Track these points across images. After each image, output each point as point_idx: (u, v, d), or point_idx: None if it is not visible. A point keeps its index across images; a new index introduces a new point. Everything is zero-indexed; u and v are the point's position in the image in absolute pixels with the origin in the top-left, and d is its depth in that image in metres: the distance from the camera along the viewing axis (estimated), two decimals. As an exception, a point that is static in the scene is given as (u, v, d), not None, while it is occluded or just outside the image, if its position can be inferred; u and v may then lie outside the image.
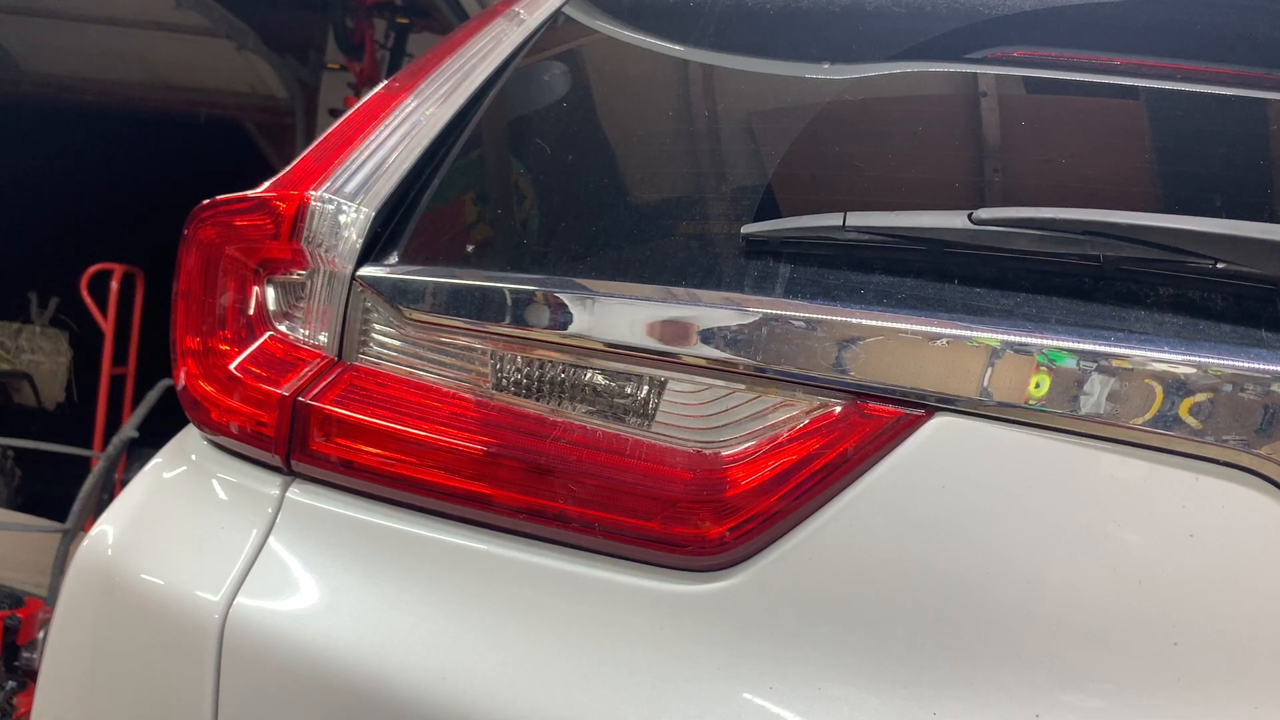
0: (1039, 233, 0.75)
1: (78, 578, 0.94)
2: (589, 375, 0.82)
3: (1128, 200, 0.87)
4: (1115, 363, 0.69)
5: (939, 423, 0.73)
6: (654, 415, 0.80)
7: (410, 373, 0.88)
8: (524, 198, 1.00)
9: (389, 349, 0.89)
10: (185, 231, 0.97)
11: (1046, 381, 0.70)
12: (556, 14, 1.12)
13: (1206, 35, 0.96)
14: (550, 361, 0.83)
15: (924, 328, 0.72)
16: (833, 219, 0.80)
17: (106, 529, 0.94)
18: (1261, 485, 0.67)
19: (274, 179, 0.97)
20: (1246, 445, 0.67)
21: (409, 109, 1.00)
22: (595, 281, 0.84)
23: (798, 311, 0.76)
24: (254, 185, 0.97)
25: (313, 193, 0.92)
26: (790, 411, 0.77)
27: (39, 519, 3.32)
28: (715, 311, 0.77)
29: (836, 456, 0.74)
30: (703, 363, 0.77)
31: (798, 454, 0.75)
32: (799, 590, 0.75)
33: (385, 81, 1.08)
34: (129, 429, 2.96)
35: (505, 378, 0.84)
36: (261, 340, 0.93)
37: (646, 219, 0.93)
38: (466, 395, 0.85)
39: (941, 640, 0.72)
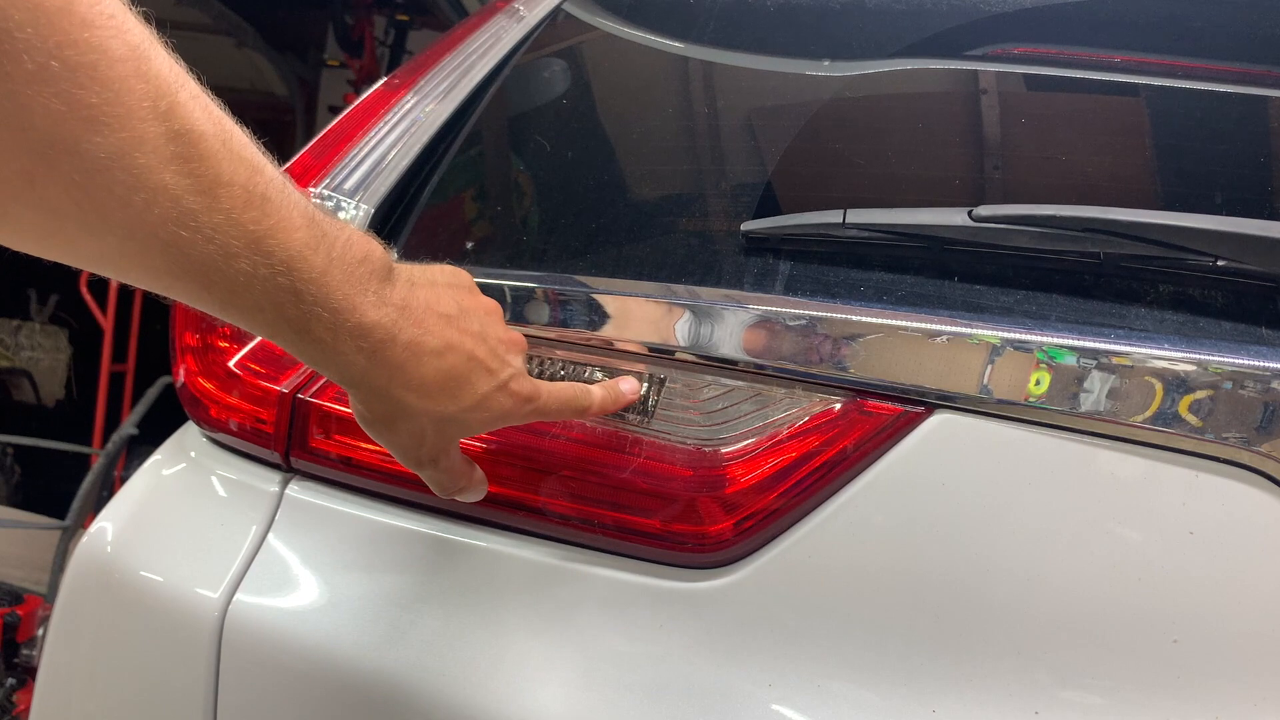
0: (1039, 230, 0.75)
1: (77, 574, 0.94)
2: (588, 372, 0.82)
3: (1128, 197, 0.87)
4: (1115, 360, 0.69)
5: (939, 420, 0.72)
6: (653, 412, 0.80)
7: (410, 370, 0.87)
8: (523, 195, 1.00)
9: (388, 346, 0.88)
10: (184, 228, 0.96)
11: (1046, 379, 0.70)
12: (556, 10, 1.12)
13: (1207, 32, 0.96)
14: (549, 359, 0.83)
15: (924, 325, 0.72)
16: (832, 216, 0.80)
17: (106, 526, 0.94)
18: (1262, 483, 0.67)
19: (273, 176, 0.97)
20: (1247, 443, 0.67)
21: (408, 106, 1.00)
22: (595, 278, 0.84)
23: (797, 309, 0.75)
24: (253, 182, 0.96)
25: (312, 189, 0.92)
26: (790, 409, 0.76)
27: (38, 516, 3.32)
28: (715, 309, 0.77)
29: (836, 454, 0.74)
30: (702, 360, 0.77)
31: (797, 451, 0.75)
32: (798, 587, 0.75)
33: (385, 78, 1.08)
34: (128, 426, 2.96)
35: (505, 375, 0.84)
36: (261, 337, 0.93)
37: (646, 216, 0.93)
38: (466, 392, 0.85)
39: (941, 637, 0.72)
